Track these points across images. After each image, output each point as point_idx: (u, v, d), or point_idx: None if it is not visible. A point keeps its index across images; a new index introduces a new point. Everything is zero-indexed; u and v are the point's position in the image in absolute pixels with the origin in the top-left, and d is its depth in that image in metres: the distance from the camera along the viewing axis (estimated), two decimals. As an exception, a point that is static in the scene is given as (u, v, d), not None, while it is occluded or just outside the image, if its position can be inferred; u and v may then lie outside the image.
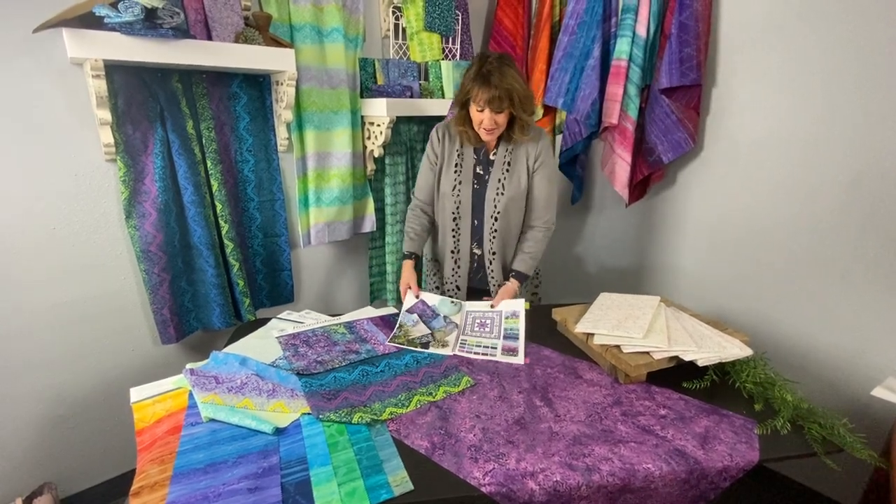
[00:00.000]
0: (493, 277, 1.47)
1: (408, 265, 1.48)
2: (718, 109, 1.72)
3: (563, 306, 1.40)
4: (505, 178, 1.40)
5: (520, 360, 1.22)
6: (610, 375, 1.13)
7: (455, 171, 1.43)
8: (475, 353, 1.24)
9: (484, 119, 1.30)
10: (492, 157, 1.43)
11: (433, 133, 1.47)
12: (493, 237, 1.43)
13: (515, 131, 1.36)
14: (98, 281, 1.40)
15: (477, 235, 1.47)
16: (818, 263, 1.50)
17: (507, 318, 1.34)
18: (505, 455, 0.86)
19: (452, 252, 1.48)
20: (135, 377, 1.48)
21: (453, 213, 1.44)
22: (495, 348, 1.26)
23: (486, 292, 1.50)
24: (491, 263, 1.45)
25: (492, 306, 1.39)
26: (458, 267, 1.49)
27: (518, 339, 1.28)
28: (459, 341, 1.29)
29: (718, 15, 1.66)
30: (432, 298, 1.41)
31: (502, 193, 1.40)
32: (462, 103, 1.35)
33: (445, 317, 1.37)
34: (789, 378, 1.09)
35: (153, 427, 0.93)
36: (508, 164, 1.41)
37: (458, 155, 1.43)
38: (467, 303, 1.42)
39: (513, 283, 1.42)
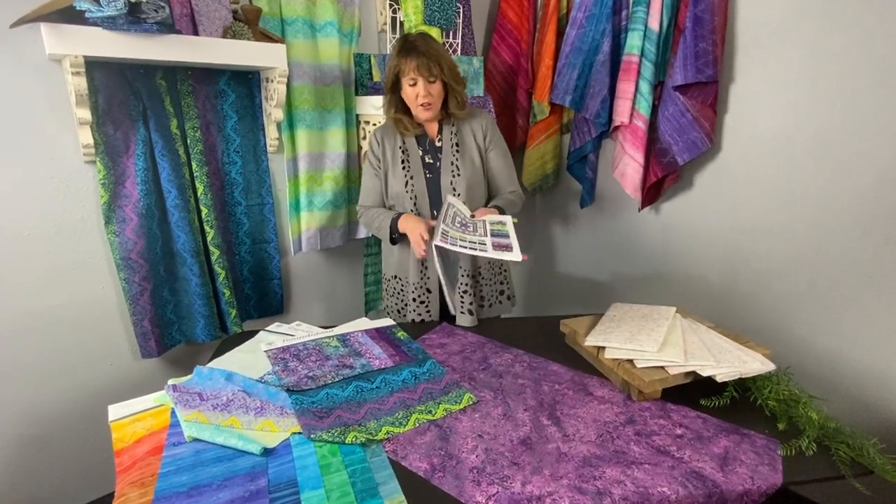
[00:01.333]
0: (460, 266, 1.49)
1: (407, 216, 1.41)
2: (737, 107, 1.73)
3: (572, 317, 1.40)
4: (458, 160, 1.45)
5: (516, 255, 1.17)
6: (622, 392, 1.13)
7: (403, 168, 1.46)
8: (460, 247, 1.19)
9: (419, 92, 1.36)
10: (438, 144, 1.48)
11: (371, 137, 1.53)
12: None
13: (452, 107, 1.43)
14: (74, 290, 1.41)
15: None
16: (844, 271, 1.50)
17: (492, 223, 1.31)
18: (510, 478, 0.86)
19: None
20: (113, 393, 1.48)
21: (412, 209, 1.46)
22: (484, 244, 1.22)
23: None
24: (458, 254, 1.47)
25: (472, 216, 1.35)
26: (426, 267, 1.51)
27: (509, 237, 1.24)
28: (441, 231, 1.23)
29: (735, 7, 1.68)
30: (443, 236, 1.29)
31: (458, 175, 1.45)
32: (392, 87, 1.42)
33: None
34: (815, 395, 1.09)
35: (133, 447, 0.93)
36: (457, 145, 1.46)
37: (403, 151, 1.47)
38: (450, 196, 1.38)
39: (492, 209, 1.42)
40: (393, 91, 1.43)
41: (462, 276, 1.49)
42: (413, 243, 1.37)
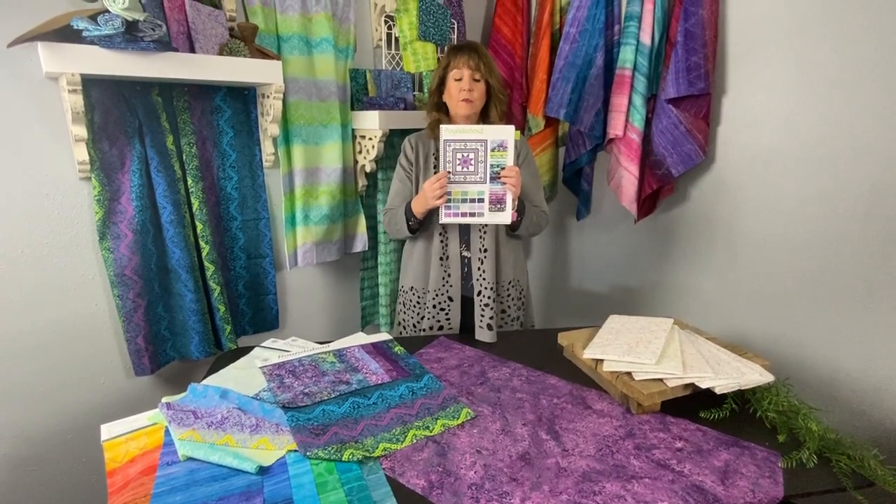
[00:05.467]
0: (483, 278, 1.48)
1: (417, 196, 1.45)
2: (729, 119, 1.76)
3: (570, 330, 1.40)
4: None
5: (507, 217, 1.38)
6: (621, 405, 1.13)
7: (434, 173, 1.48)
8: (462, 214, 1.40)
9: (463, 86, 1.41)
10: None
11: (405, 143, 1.56)
12: (483, 235, 1.48)
13: (493, 115, 1.48)
14: (67, 307, 1.40)
15: (465, 236, 1.52)
16: (842, 280, 1.52)
17: (493, 150, 1.36)
18: (509, 494, 0.86)
19: (441, 259, 1.51)
20: (106, 412, 1.47)
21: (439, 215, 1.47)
22: (482, 200, 1.38)
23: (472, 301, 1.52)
24: (482, 263, 1.48)
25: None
26: (449, 275, 1.52)
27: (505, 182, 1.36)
28: (445, 199, 1.38)
29: (725, 21, 1.72)
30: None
31: None
32: (437, 86, 1.48)
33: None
34: (814, 406, 1.10)
35: (126, 467, 0.92)
36: None
37: (435, 157, 1.49)
38: (443, 127, 1.38)
39: None
40: (437, 92, 1.48)
41: (484, 288, 1.48)
42: (433, 192, 1.36)
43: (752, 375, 1.09)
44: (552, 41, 2.15)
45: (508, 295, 1.58)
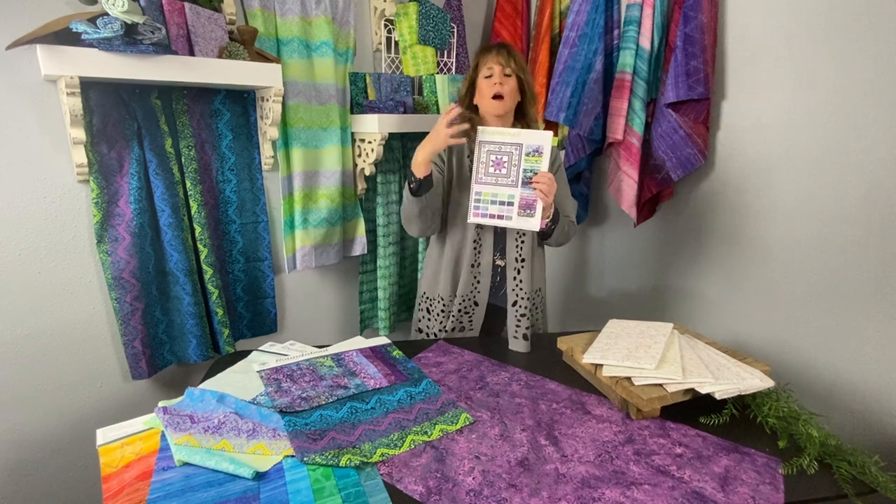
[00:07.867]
0: (520, 288, 1.46)
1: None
2: (729, 124, 1.76)
3: (569, 334, 1.40)
4: None
5: (535, 223, 1.34)
6: (621, 411, 1.12)
7: (468, 174, 1.45)
8: (490, 216, 1.37)
9: (494, 77, 1.38)
10: None
11: None
12: (521, 244, 1.46)
13: (529, 113, 1.47)
14: (64, 311, 1.40)
15: (500, 244, 1.50)
16: (842, 285, 1.51)
17: (528, 154, 1.33)
18: (507, 500, 0.85)
19: (473, 266, 1.49)
20: (102, 417, 1.46)
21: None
22: (511, 204, 1.35)
23: (505, 311, 1.50)
24: (519, 273, 1.46)
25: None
26: (479, 282, 1.51)
27: (536, 188, 1.33)
28: (474, 198, 1.37)
29: (725, 27, 1.72)
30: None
31: None
32: (468, 87, 1.46)
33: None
34: (815, 411, 1.09)
35: (121, 472, 0.92)
36: None
37: (469, 158, 1.46)
38: (481, 128, 1.36)
39: None
40: (468, 95, 1.47)
41: (520, 298, 1.45)
42: (445, 128, 1.27)
43: (752, 381, 1.08)
44: (552, 45, 2.15)
45: (534, 304, 1.56)
